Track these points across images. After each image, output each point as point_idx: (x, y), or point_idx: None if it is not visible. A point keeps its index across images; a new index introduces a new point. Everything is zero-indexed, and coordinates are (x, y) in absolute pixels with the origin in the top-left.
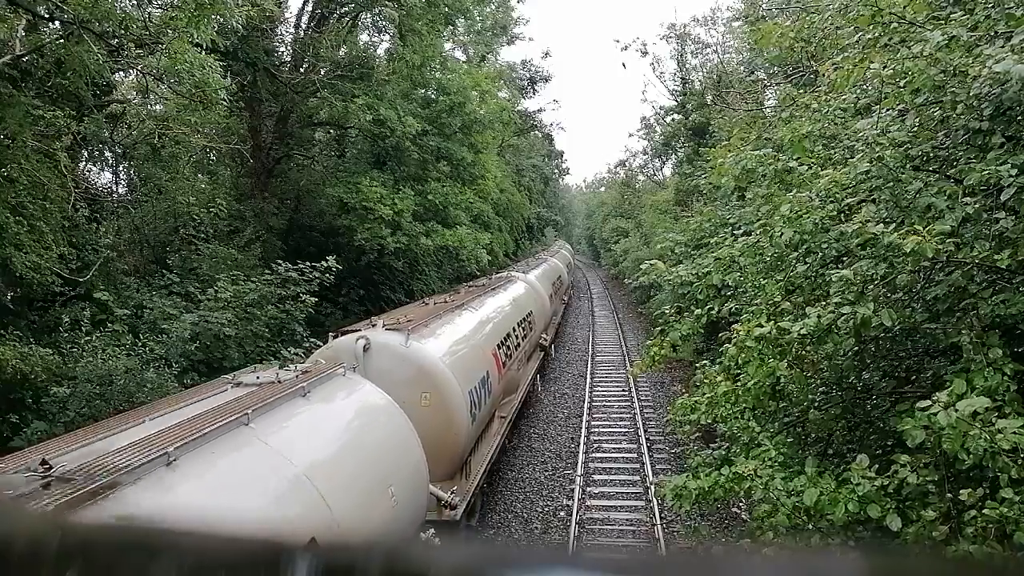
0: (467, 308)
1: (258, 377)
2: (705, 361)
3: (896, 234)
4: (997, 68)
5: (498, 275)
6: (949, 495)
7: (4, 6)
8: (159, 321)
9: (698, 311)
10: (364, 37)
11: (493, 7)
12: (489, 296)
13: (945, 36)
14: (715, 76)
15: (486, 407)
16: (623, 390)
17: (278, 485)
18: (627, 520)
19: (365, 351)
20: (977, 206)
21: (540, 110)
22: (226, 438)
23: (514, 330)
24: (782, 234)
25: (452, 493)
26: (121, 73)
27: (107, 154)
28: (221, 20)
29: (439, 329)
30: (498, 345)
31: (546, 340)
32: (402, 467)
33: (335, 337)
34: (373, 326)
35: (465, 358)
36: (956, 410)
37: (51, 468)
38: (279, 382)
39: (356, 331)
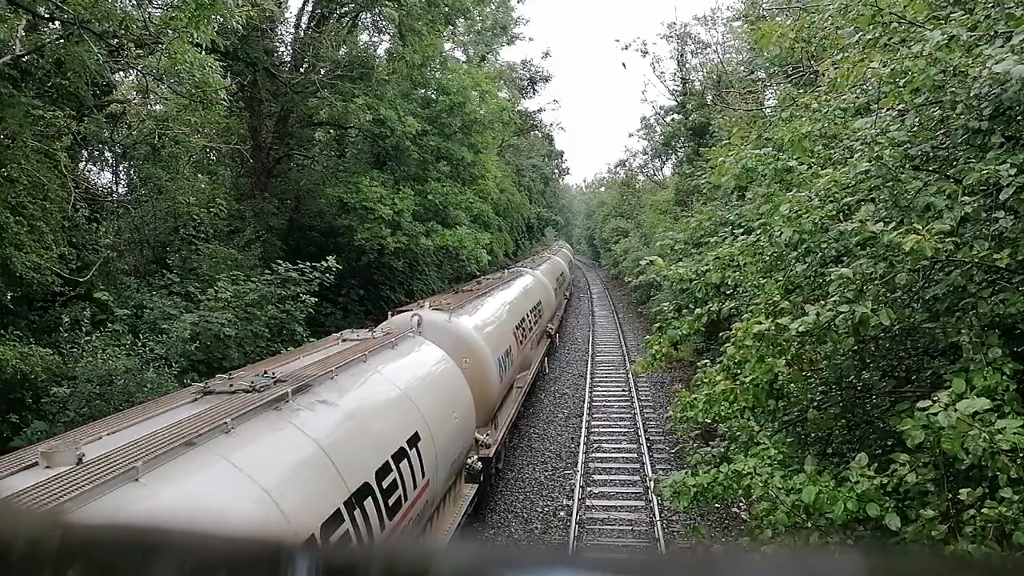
0: (490, 296)
1: (358, 334)
2: (705, 361)
3: (895, 233)
4: (997, 68)
5: (511, 270)
6: (948, 494)
7: (4, 6)
8: (159, 321)
9: (698, 310)
10: (364, 37)
11: (493, 7)
12: (506, 287)
13: (945, 36)
14: (715, 76)
15: (509, 373)
16: (623, 390)
17: (390, 397)
18: (627, 520)
19: (419, 325)
20: (976, 206)
21: (540, 110)
22: (357, 368)
23: (528, 315)
24: (782, 233)
25: (487, 435)
26: (121, 73)
27: (107, 154)
28: (221, 20)
29: (472, 310)
30: (516, 326)
31: (552, 328)
32: (459, 400)
33: (392, 315)
34: (421, 307)
35: (493, 333)
36: (956, 410)
37: (274, 375)
38: (374, 338)
39: (408, 310)
